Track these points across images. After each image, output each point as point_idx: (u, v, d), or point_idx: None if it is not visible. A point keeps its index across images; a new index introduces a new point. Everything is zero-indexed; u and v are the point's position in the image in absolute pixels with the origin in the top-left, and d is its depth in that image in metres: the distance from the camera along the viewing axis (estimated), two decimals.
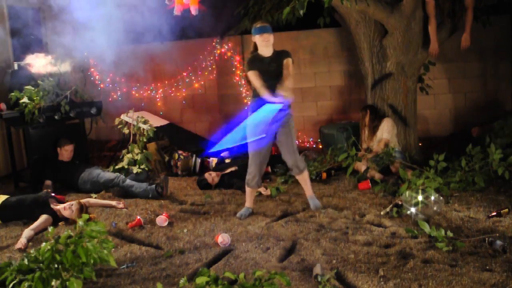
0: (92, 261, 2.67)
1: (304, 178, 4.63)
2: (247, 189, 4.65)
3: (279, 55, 4.31)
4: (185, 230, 4.27)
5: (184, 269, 3.46)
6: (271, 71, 4.26)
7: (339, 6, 5.82)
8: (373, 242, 3.77)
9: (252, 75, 4.24)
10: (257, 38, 4.29)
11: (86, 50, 7.00)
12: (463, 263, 3.29)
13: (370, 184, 5.26)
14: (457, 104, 7.76)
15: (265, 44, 4.25)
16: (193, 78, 8.32)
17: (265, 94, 4.13)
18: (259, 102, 4.21)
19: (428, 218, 4.15)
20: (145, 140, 6.19)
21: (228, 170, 5.89)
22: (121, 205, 4.94)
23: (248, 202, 4.67)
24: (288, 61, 4.29)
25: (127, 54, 6.85)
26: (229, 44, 8.08)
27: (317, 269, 3.23)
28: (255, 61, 4.29)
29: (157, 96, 8.45)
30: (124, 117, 6.35)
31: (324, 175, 5.80)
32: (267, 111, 4.17)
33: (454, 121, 7.79)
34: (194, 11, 4.83)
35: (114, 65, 6.95)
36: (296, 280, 3.17)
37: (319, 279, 3.09)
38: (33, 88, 5.93)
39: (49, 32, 7.14)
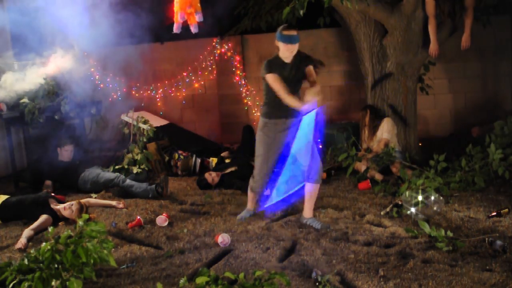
0: (92, 261, 2.67)
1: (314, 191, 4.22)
2: (250, 193, 4.53)
3: (300, 61, 4.04)
4: (185, 230, 4.27)
5: (184, 269, 3.46)
6: (291, 78, 4.00)
7: (339, 6, 5.82)
8: (373, 242, 3.77)
9: (273, 78, 3.91)
10: (281, 45, 3.96)
11: (86, 50, 7.00)
12: (463, 263, 3.29)
13: (370, 184, 5.27)
14: (457, 104, 7.76)
15: (289, 54, 3.98)
16: (193, 78, 8.32)
17: (291, 101, 3.84)
18: (276, 114, 4.02)
19: (428, 218, 4.15)
20: (145, 140, 6.19)
21: (228, 170, 5.89)
22: (121, 205, 4.94)
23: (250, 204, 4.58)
24: (310, 69, 4.03)
25: (127, 54, 6.84)
26: (229, 44, 8.08)
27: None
28: (275, 65, 4.00)
29: (157, 96, 8.45)
30: (124, 117, 6.35)
31: (324, 175, 5.79)
32: (308, 123, 3.88)
33: (454, 121, 7.78)
34: (194, 29, 4.93)
35: (114, 65, 6.95)
36: (296, 280, 3.17)
37: (319, 279, 3.09)
38: (33, 88, 5.94)
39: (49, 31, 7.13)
